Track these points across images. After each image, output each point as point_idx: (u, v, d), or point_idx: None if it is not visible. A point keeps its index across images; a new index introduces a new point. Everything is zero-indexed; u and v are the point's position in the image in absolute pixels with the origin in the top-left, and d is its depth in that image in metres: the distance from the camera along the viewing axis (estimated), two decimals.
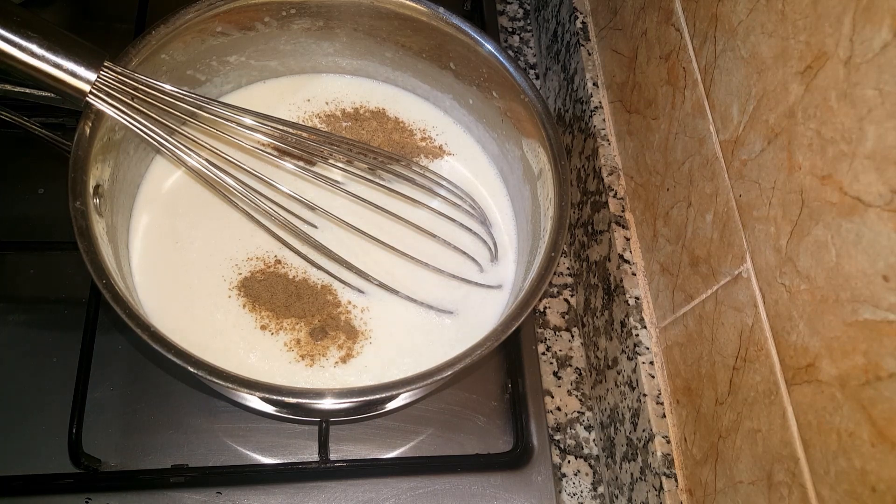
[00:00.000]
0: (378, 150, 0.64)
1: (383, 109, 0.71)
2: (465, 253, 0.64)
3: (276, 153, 0.61)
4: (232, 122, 0.56)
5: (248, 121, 0.56)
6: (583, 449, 0.70)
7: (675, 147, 0.58)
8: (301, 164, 0.62)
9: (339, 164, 0.64)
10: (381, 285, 0.61)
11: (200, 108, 0.55)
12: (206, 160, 0.55)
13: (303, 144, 0.59)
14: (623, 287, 0.64)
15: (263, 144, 0.61)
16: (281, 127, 0.57)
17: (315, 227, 0.64)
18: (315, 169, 0.64)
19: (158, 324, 0.52)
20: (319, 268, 0.62)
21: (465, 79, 0.66)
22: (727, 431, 0.50)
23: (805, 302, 0.42)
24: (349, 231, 0.64)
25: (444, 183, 0.65)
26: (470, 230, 0.65)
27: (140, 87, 0.53)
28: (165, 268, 0.61)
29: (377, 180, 0.64)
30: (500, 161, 0.70)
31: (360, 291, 0.63)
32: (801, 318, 0.42)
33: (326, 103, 0.71)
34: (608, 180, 0.68)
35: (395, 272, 0.64)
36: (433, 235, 0.64)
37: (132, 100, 0.52)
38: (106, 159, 0.56)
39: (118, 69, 0.52)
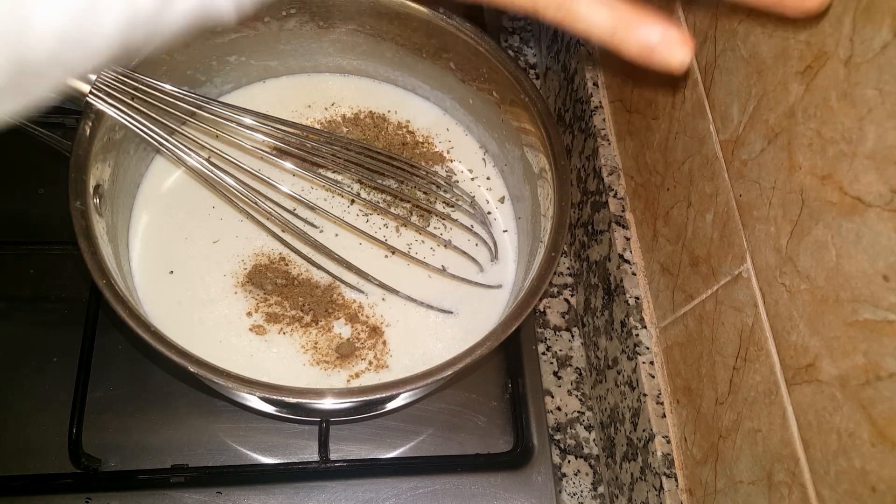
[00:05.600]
0: (378, 150, 0.64)
1: (383, 114, 0.71)
2: (465, 253, 0.64)
3: (276, 153, 0.61)
4: (232, 122, 0.56)
5: (248, 121, 0.56)
6: (583, 449, 0.70)
7: (676, 147, 0.58)
8: (301, 163, 0.62)
9: (339, 165, 0.64)
10: (381, 285, 0.61)
11: (200, 108, 0.55)
12: (206, 160, 0.55)
13: (303, 145, 0.59)
14: (623, 287, 0.63)
15: (263, 144, 0.61)
16: (281, 127, 0.57)
17: (315, 226, 0.64)
18: (315, 169, 0.64)
19: (158, 323, 0.52)
20: (320, 267, 0.62)
21: (466, 79, 0.66)
22: (727, 431, 0.51)
23: (805, 302, 0.42)
24: (349, 231, 0.64)
25: (443, 183, 0.65)
26: (470, 230, 0.65)
27: (140, 86, 0.53)
28: (166, 267, 0.61)
29: (377, 180, 0.64)
30: (500, 161, 0.70)
31: (361, 291, 0.62)
32: (801, 317, 0.42)
33: (325, 109, 0.71)
34: (608, 180, 0.68)
35: (394, 272, 0.64)
36: (433, 235, 0.64)
37: (132, 99, 0.52)
38: (106, 159, 0.56)
39: (118, 69, 0.52)
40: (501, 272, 0.66)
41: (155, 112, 0.53)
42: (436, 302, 0.63)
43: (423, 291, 0.63)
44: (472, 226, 0.65)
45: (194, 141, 0.56)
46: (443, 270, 0.63)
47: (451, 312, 0.63)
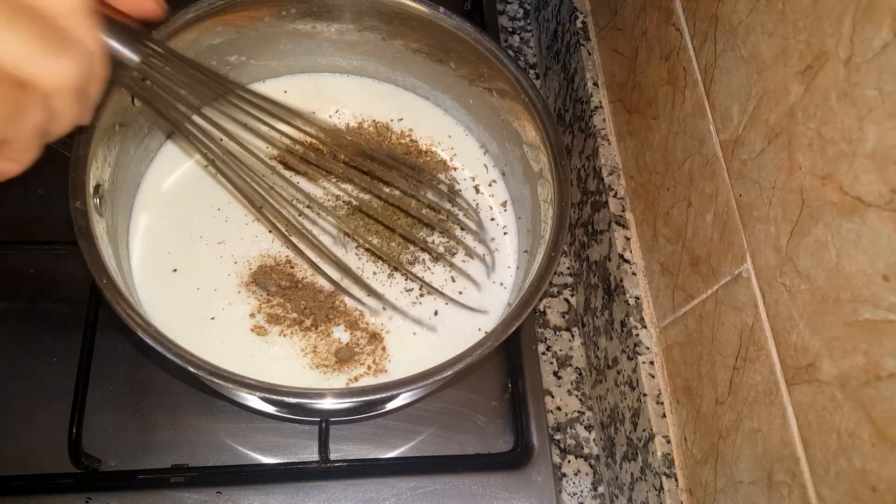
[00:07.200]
0: (379, 155, 0.64)
1: (387, 123, 0.71)
2: (463, 272, 0.63)
3: (285, 159, 0.61)
4: (261, 110, 0.52)
5: (276, 111, 0.52)
6: (583, 449, 0.70)
7: (676, 147, 0.58)
8: (309, 170, 0.62)
9: (340, 169, 0.64)
10: (388, 304, 0.61)
11: (228, 93, 0.52)
12: (221, 156, 0.52)
13: (308, 155, 0.58)
14: (623, 287, 0.63)
15: (272, 149, 0.60)
16: (301, 125, 0.54)
17: (330, 234, 0.64)
18: (314, 170, 0.64)
19: (159, 323, 0.52)
20: (325, 276, 0.61)
21: (465, 79, 0.66)
22: (727, 431, 0.51)
23: (805, 302, 0.42)
24: (349, 231, 0.63)
25: (443, 187, 0.65)
26: (470, 230, 0.65)
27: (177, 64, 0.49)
28: (166, 267, 0.61)
29: (378, 186, 0.64)
30: (500, 161, 0.70)
31: (363, 304, 0.62)
32: (801, 317, 0.42)
33: (329, 116, 0.71)
34: (608, 180, 0.68)
35: (397, 283, 0.64)
36: (433, 241, 0.64)
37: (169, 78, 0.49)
38: (106, 159, 0.56)
39: (157, 47, 0.48)
40: (501, 272, 0.66)
41: (189, 89, 0.50)
42: (431, 318, 0.63)
43: (422, 306, 0.63)
44: (471, 226, 0.65)
45: (202, 139, 0.55)
46: (442, 270, 0.63)
47: (451, 313, 0.63)
